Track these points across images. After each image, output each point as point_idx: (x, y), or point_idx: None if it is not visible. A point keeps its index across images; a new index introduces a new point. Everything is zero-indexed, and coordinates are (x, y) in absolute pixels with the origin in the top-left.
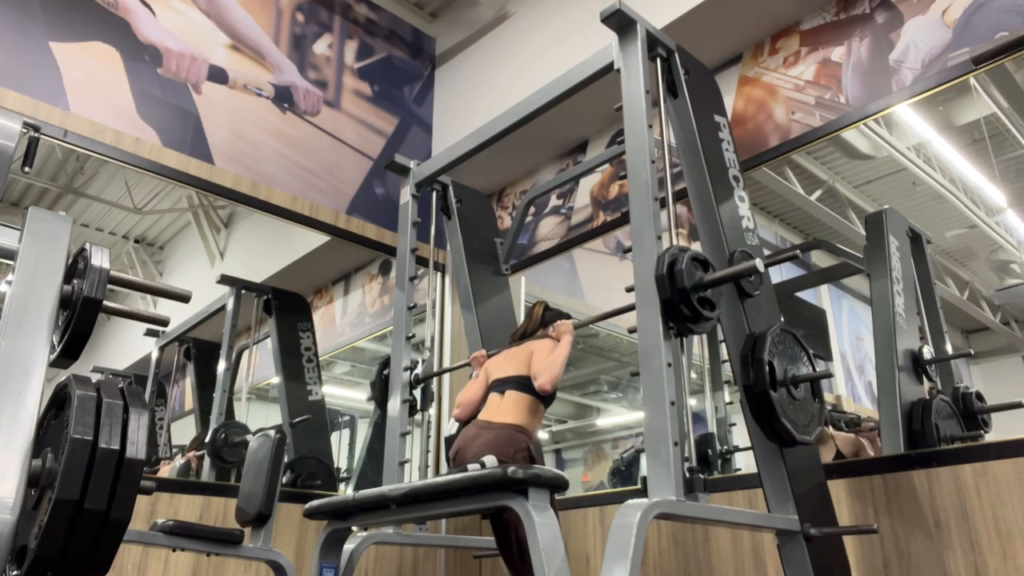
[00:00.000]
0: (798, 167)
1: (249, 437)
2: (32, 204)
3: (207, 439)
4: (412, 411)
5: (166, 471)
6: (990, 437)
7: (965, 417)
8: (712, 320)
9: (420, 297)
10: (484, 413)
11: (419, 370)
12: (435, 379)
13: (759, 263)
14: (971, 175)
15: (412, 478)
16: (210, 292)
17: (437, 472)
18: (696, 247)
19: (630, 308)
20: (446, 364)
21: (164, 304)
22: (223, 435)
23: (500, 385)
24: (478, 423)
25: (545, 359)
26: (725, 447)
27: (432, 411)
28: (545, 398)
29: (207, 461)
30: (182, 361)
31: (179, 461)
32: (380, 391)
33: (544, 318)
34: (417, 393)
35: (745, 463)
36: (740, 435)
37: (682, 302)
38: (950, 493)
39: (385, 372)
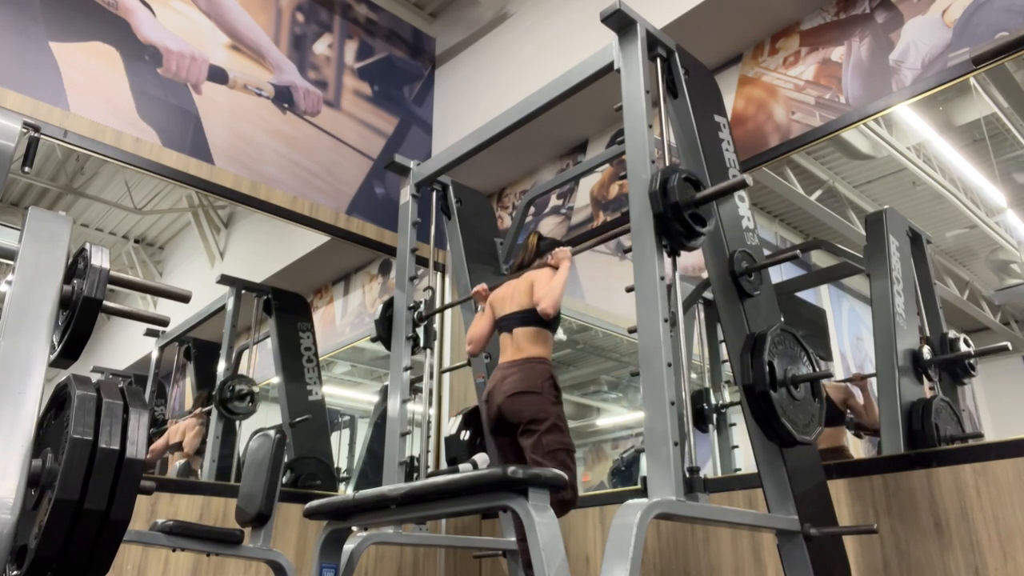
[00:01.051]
0: (798, 167)
1: (255, 388)
2: (32, 204)
3: (215, 391)
4: (415, 348)
5: (175, 432)
6: (989, 438)
7: (951, 364)
8: (704, 235)
9: (420, 297)
10: (503, 355)
11: (422, 309)
12: (434, 380)
13: (748, 177)
14: (971, 175)
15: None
16: (210, 292)
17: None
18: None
19: (625, 221)
20: (446, 364)
21: (164, 304)
22: (231, 387)
23: (506, 323)
24: (502, 366)
25: (546, 286)
26: (720, 402)
27: (432, 411)
28: (550, 323)
29: (214, 415)
30: (182, 361)
31: (184, 420)
32: (384, 329)
33: (539, 247)
34: (420, 332)
35: (745, 463)
36: (740, 435)
37: (675, 218)
38: (950, 493)
39: (389, 312)
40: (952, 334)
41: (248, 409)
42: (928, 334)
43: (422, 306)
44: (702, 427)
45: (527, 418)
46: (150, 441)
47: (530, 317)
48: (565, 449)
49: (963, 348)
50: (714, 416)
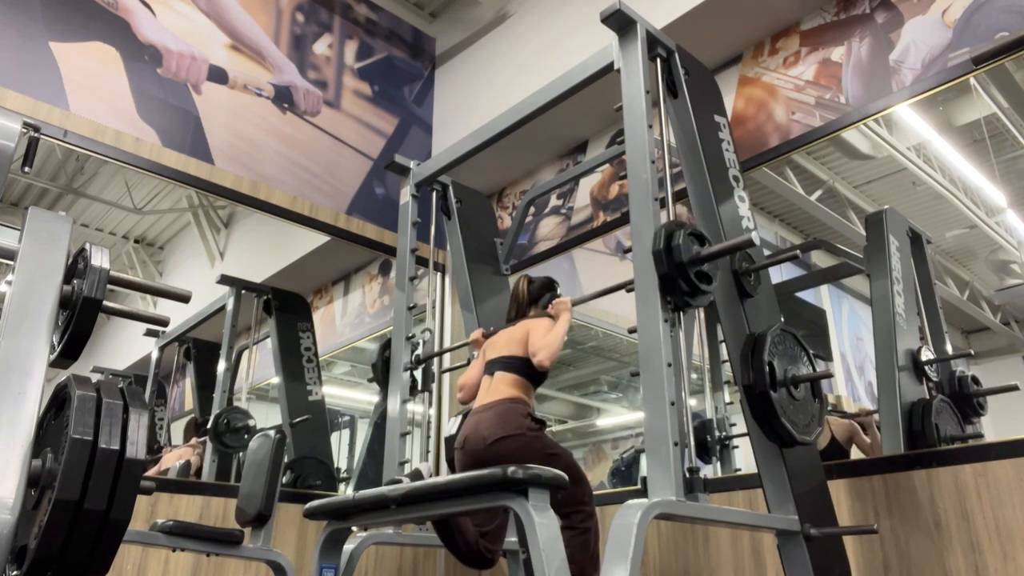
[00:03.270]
0: (798, 167)
1: (251, 422)
2: (32, 204)
3: (210, 425)
4: (413, 392)
5: (168, 460)
6: (990, 437)
7: (961, 401)
8: (709, 294)
9: (420, 297)
10: (479, 398)
11: (420, 351)
12: (435, 377)
13: (755, 236)
14: (971, 175)
15: None
16: (210, 292)
17: (437, 472)
18: None
19: (628, 283)
20: (446, 365)
21: (164, 304)
22: (225, 420)
23: (491, 367)
24: (476, 410)
25: (543, 336)
26: (723, 434)
27: (432, 411)
28: (535, 376)
29: (209, 447)
30: (182, 361)
31: (180, 451)
32: (382, 372)
33: (531, 292)
34: (419, 374)
35: (745, 463)
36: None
37: (680, 276)
38: (950, 493)
39: (386, 354)
40: (960, 371)
41: (244, 443)
42: (928, 334)
43: (420, 349)
44: (705, 459)
45: (516, 463)
46: (145, 469)
47: (515, 364)
48: (566, 466)
49: (972, 387)
50: (718, 448)
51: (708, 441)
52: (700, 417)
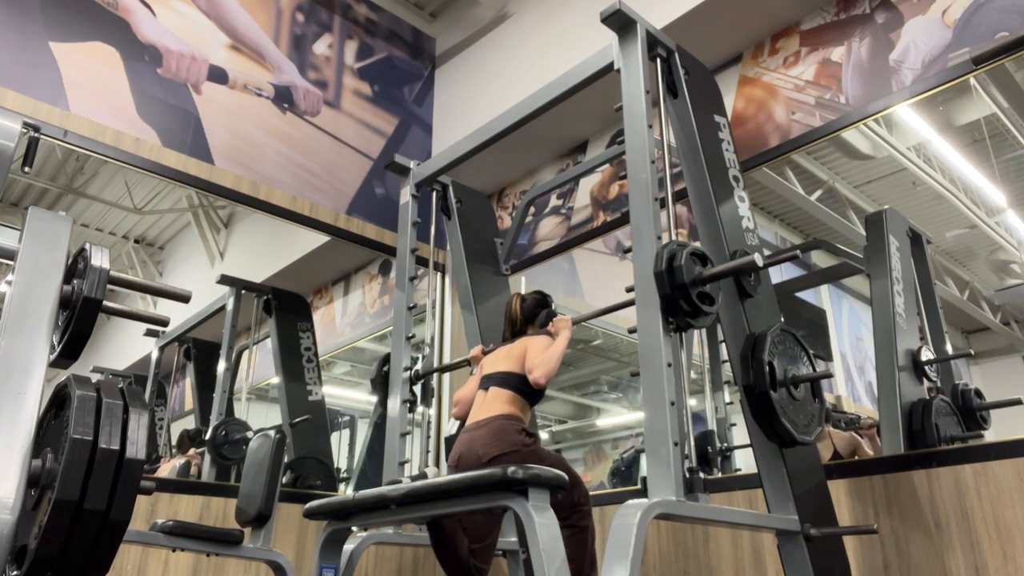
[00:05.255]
0: (798, 167)
1: (249, 434)
2: (32, 204)
3: (207, 436)
4: (412, 408)
5: (165, 470)
6: (990, 437)
7: (964, 414)
8: (711, 315)
9: (420, 297)
10: (472, 415)
11: (419, 366)
12: (436, 378)
13: (758, 258)
14: (971, 175)
15: None
16: (210, 292)
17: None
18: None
19: (629, 304)
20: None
21: (164, 304)
22: (223, 432)
23: (486, 382)
24: (468, 427)
25: (541, 354)
26: (725, 444)
27: (432, 411)
28: (531, 394)
29: (207, 458)
30: (182, 361)
31: (178, 461)
32: (381, 388)
33: (525, 311)
34: (417, 390)
35: (745, 463)
36: (740, 435)
37: (682, 297)
38: (950, 493)
39: (385, 368)
40: (963, 385)
41: (243, 454)
42: (928, 334)
43: (419, 365)
44: (706, 471)
45: None
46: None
47: (510, 380)
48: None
49: (975, 401)
50: (719, 460)
51: (709, 452)
52: (701, 426)
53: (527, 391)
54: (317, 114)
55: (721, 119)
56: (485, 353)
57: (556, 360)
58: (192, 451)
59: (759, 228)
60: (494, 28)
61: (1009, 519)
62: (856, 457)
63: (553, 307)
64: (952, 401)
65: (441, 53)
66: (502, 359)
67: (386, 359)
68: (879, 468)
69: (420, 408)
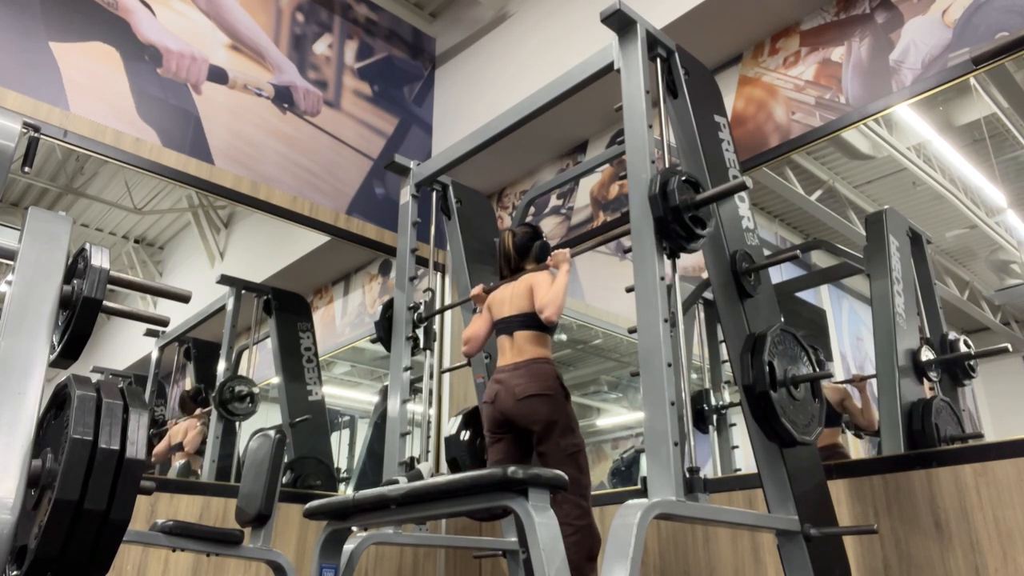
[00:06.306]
0: (798, 167)
1: (255, 389)
2: (32, 204)
3: (214, 394)
4: (415, 350)
5: (175, 434)
6: (990, 437)
7: (951, 365)
8: (704, 238)
9: (420, 297)
10: (504, 358)
11: (422, 310)
12: (435, 377)
13: (747, 179)
14: (971, 175)
15: None
16: (210, 292)
17: (437, 471)
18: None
19: (625, 220)
20: (446, 365)
21: (164, 304)
22: (230, 389)
23: (505, 326)
24: (504, 368)
25: (547, 291)
26: (719, 403)
27: (432, 411)
28: (550, 328)
29: (213, 416)
30: (182, 361)
31: (184, 425)
32: (384, 330)
33: (516, 244)
34: (420, 333)
35: (745, 463)
36: (740, 435)
37: (675, 220)
38: (950, 493)
39: (389, 313)
40: (952, 335)
41: (248, 410)
42: (928, 334)
43: (422, 307)
44: (702, 428)
45: (542, 422)
46: (152, 443)
47: (531, 321)
48: (580, 451)
49: (963, 349)
50: (714, 417)
51: (705, 410)
52: (696, 387)
53: (545, 327)
54: (317, 114)
55: (721, 119)
56: (487, 292)
57: (563, 295)
58: (198, 411)
59: (759, 228)
60: (494, 28)
61: (1009, 519)
62: (844, 406)
63: (545, 239)
64: (940, 350)
65: (441, 53)
66: (510, 300)
67: (390, 303)
68: (879, 468)
69: (420, 411)
